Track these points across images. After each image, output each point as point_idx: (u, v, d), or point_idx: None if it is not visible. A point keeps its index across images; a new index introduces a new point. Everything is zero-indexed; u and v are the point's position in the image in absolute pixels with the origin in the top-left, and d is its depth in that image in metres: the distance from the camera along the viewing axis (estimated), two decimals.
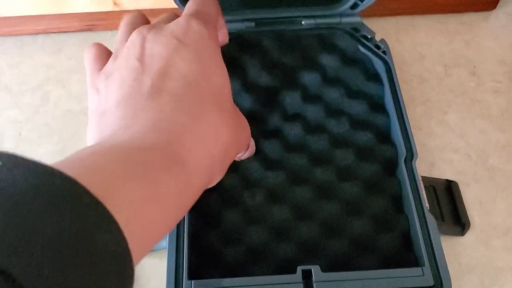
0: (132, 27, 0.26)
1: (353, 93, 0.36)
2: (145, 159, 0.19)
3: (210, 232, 0.31)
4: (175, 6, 0.37)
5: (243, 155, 0.31)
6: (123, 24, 0.27)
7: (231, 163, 0.26)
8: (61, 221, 0.13)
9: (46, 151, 0.39)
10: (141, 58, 0.23)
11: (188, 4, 0.27)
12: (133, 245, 0.16)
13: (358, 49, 0.38)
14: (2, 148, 0.39)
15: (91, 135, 0.23)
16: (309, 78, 0.37)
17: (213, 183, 0.24)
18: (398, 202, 0.32)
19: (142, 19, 0.28)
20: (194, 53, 0.23)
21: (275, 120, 0.35)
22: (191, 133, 0.21)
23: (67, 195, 0.14)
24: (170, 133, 0.21)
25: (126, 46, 0.25)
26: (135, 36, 0.24)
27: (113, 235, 0.15)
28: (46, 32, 0.45)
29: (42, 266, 0.12)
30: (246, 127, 0.28)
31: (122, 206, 0.16)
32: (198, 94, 0.23)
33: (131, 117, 0.21)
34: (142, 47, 0.24)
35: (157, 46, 0.24)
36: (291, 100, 0.36)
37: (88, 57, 0.27)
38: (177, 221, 0.21)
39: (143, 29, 0.25)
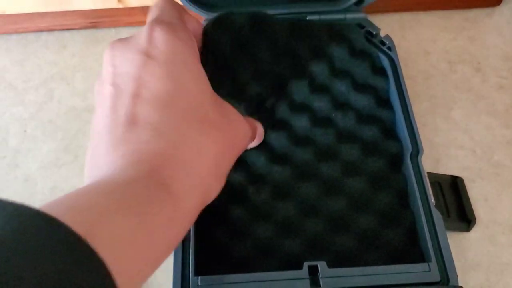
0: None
1: (360, 86, 0.36)
2: (129, 192, 0.18)
3: (216, 228, 0.31)
4: (179, 2, 0.37)
5: (252, 145, 0.30)
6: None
7: (230, 167, 0.25)
8: (44, 264, 0.13)
9: (51, 148, 0.39)
10: (113, 81, 0.22)
11: (150, 11, 0.26)
12: (123, 281, 0.15)
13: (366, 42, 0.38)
14: (7, 146, 0.39)
15: (85, 172, 0.22)
16: (318, 69, 0.36)
17: (212, 196, 0.24)
18: (403, 197, 0.32)
19: None
20: (164, 67, 0.22)
21: (282, 109, 0.35)
22: (173, 159, 0.21)
23: (51, 236, 0.14)
24: (151, 163, 0.20)
25: (103, 66, 0.23)
26: (105, 54, 0.23)
27: (98, 274, 0.14)
28: (50, 29, 0.45)
29: None
30: (239, 126, 0.26)
31: (108, 242, 0.16)
32: (175, 114, 0.21)
33: (112, 152, 0.21)
34: (113, 66, 0.22)
35: (125, 64, 0.22)
36: (299, 89, 0.36)
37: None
38: (172, 248, 0.20)
39: (113, 44, 0.23)
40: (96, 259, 0.15)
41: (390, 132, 0.34)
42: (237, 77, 0.34)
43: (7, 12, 0.44)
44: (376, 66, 0.37)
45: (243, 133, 0.27)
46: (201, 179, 0.22)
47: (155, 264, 0.19)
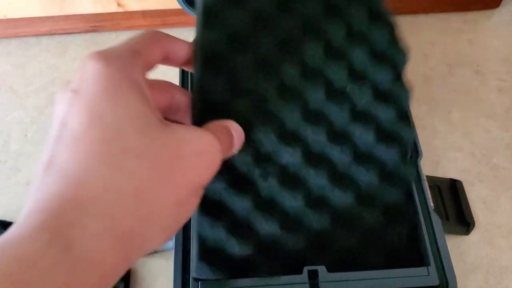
0: None
1: (378, 57, 0.33)
2: (16, 259, 0.16)
3: (217, 232, 0.31)
4: (179, 6, 0.37)
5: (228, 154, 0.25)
6: None
7: (175, 210, 0.20)
8: None
9: None
10: (50, 126, 0.20)
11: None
12: None
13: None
14: (9, 150, 0.39)
15: None
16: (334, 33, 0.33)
17: (143, 244, 0.19)
18: (409, 194, 0.32)
19: None
20: (84, 100, 0.20)
21: (295, 76, 0.32)
22: (73, 200, 0.18)
23: None
24: (48, 211, 0.17)
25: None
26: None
27: None
28: (50, 33, 0.45)
29: None
30: (193, 154, 0.21)
31: None
32: (84, 150, 0.19)
33: (28, 203, 0.18)
34: (54, 112, 0.21)
35: (58, 107, 0.20)
36: (313, 53, 0.32)
37: None
38: None
39: (59, 89, 0.21)
40: None
41: (404, 115, 0.33)
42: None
43: (8, 17, 0.44)
44: (394, 34, 0.34)
45: (204, 165, 0.22)
46: (114, 221, 0.18)
47: None
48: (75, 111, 0.19)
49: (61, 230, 0.17)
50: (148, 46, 0.23)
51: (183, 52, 0.26)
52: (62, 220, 0.17)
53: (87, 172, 0.18)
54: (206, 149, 0.22)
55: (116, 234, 0.18)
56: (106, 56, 0.21)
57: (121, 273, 0.18)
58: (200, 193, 0.22)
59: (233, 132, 0.25)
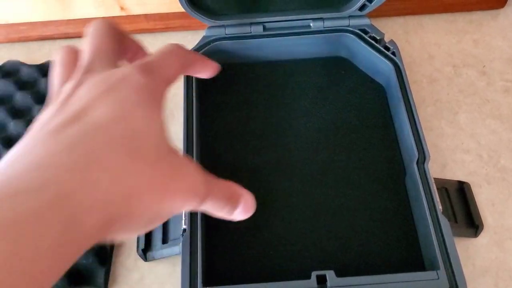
0: (66, 68, 0.24)
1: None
2: (8, 205, 0.16)
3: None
4: (182, 9, 0.37)
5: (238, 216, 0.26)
6: (56, 64, 0.25)
7: (157, 215, 0.22)
8: None
9: None
10: (65, 101, 0.22)
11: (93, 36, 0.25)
12: None
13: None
14: None
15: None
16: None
17: (119, 232, 0.21)
18: (407, 205, 0.32)
19: (75, 54, 0.25)
20: (118, 98, 0.21)
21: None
22: (76, 176, 0.19)
23: None
24: (49, 176, 0.18)
25: (61, 92, 0.23)
26: (70, 82, 0.23)
27: None
28: (53, 38, 0.45)
29: None
30: (188, 173, 0.23)
31: None
32: (103, 138, 0.20)
33: (22, 153, 0.19)
34: (73, 90, 0.22)
35: (84, 89, 0.22)
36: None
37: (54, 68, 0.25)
38: (58, 276, 0.18)
39: (78, 72, 0.23)
40: None
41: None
42: None
43: (10, 21, 0.44)
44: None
45: (188, 185, 0.23)
46: (103, 203, 0.19)
47: None
48: (105, 103, 0.21)
49: (58, 195, 0.18)
50: (167, 66, 0.25)
51: (198, 65, 0.27)
52: (61, 187, 0.18)
53: (97, 158, 0.20)
54: (195, 189, 0.23)
55: (102, 214, 0.19)
56: (146, 74, 0.23)
57: (91, 244, 0.19)
58: (158, 222, 0.23)
59: (242, 201, 0.25)
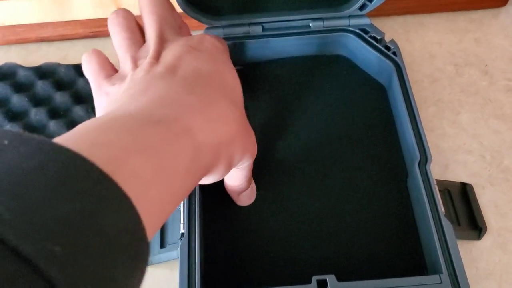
0: (132, 33, 0.27)
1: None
2: (152, 132, 0.18)
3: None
4: (180, 10, 0.37)
5: (248, 164, 0.29)
6: (119, 29, 0.27)
7: (234, 165, 0.25)
8: (72, 200, 0.13)
9: None
10: (155, 57, 0.24)
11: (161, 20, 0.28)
12: (145, 219, 0.15)
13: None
14: None
15: (99, 114, 0.23)
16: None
17: (215, 173, 0.24)
18: (409, 207, 0.32)
19: (134, 18, 0.28)
20: (208, 56, 0.25)
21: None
22: (200, 114, 0.21)
23: (76, 173, 0.14)
24: (178, 110, 0.21)
25: (140, 51, 0.25)
26: (150, 45, 0.25)
27: (126, 212, 0.15)
28: (50, 39, 0.45)
29: (53, 247, 0.12)
30: (252, 136, 0.27)
31: (131, 181, 0.16)
32: (210, 84, 0.23)
33: (140, 93, 0.21)
34: (158, 51, 0.24)
35: (172, 48, 0.24)
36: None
37: (92, 64, 0.26)
38: (183, 198, 0.21)
39: (154, 36, 0.26)
40: (124, 198, 0.14)
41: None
42: None
43: (7, 23, 0.44)
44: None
45: (253, 142, 0.27)
46: (219, 143, 0.22)
47: (172, 208, 0.19)
48: (200, 59, 0.25)
49: (187, 127, 0.20)
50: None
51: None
52: (188, 122, 0.21)
53: (212, 101, 0.23)
54: (254, 146, 0.28)
55: (216, 146, 0.22)
56: (221, 39, 0.28)
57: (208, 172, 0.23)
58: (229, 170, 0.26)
59: (253, 186, 0.31)
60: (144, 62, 0.24)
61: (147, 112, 0.20)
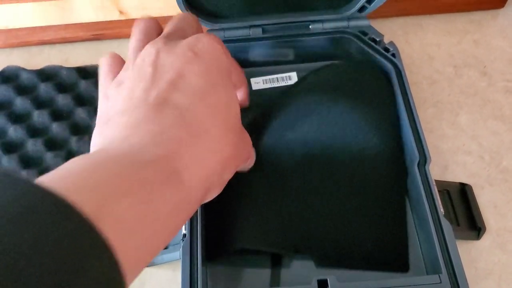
0: (146, 36, 0.26)
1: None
2: (141, 174, 0.18)
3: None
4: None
5: (244, 167, 0.30)
6: (137, 31, 0.27)
7: (230, 177, 0.26)
8: (52, 249, 0.13)
9: None
10: (153, 68, 0.23)
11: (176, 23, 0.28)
12: (126, 266, 0.15)
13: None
14: None
15: (94, 142, 0.23)
16: None
17: (209, 198, 0.24)
18: (408, 207, 0.32)
19: (156, 26, 0.28)
20: (206, 67, 0.24)
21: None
22: (190, 149, 0.21)
23: (59, 218, 0.14)
24: (168, 148, 0.20)
25: (140, 56, 0.25)
26: (150, 47, 0.25)
27: (106, 261, 0.14)
28: (52, 42, 0.45)
29: None
30: (248, 142, 0.28)
31: (115, 226, 0.16)
32: (204, 109, 0.23)
33: (132, 127, 0.21)
34: (157, 57, 0.24)
35: (171, 56, 0.24)
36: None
37: (103, 66, 0.27)
38: (171, 238, 0.20)
39: (159, 41, 0.25)
40: (105, 247, 0.14)
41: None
42: None
43: (9, 27, 0.44)
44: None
45: (248, 150, 0.28)
46: (209, 177, 0.22)
47: (155, 252, 0.19)
48: (196, 71, 0.23)
49: (176, 167, 0.20)
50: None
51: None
52: (178, 160, 0.20)
53: (204, 129, 0.22)
54: (250, 156, 0.29)
55: (205, 186, 0.22)
56: (220, 41, 0.26)
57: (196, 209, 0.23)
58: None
59: (253, 155, 0.31)
60: (142, 75, 0.24)
61: (136, 151, 0.20)
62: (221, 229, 0.31)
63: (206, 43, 0.24)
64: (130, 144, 0.20)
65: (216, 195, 0.25)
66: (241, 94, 0.32)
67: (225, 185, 0.25)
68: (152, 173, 0.19)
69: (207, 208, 0.32)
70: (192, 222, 0.30)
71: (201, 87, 0.23)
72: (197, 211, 0.30)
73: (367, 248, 0.31)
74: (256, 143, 0.32)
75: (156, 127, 0.21)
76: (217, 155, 0.23)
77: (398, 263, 0.31)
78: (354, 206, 0.32)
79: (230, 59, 0.27)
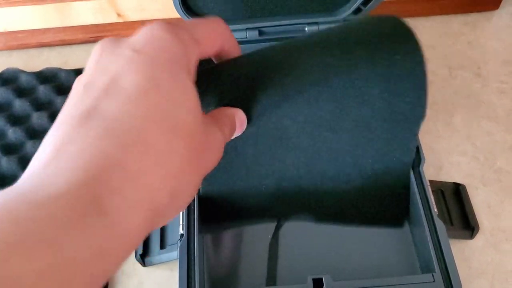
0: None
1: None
2: (46, 217, 0.15)
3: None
4: (178, 15, 0.38)
5: (237, 134, 0.26)
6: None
7: (195, 192, 0.21)
8: None
9: None
10: (91, 76, 0.20)
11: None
12: None
13: None
14: None
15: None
16: None
17: (162, 223, 0.20)
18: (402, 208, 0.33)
19: None
20: (146, 63, 0.19)
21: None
22: (118, 164, 0.17)
23: None
24: (89, 170, 0.16)
25: (87, 64, 0.21)
26: (94, 50, 0.21)
27: None
28: (51, 44, 0.46)
29: None
30: (217, 138, 0.23)
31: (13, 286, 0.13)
32: (140, 113, 0.18)
33: (52, 151, 0.17)
34: (97, 62, 0.20)
35: (110, 58, 0.20)
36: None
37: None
38: (102, 282, 0.16)
39: (105, 41, 0.21)
40: None
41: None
42: None
43: (8, 29, 0.44)
44: None
45: (216, 158, 0.23)
46: (151, 199, 0.18)
47: None
48: (133, 70, 0.19)
49: (99, 194, 0.16)
50: (209, 38, 0.23)
51: (234, 52, 0.26)
52: (102, 183, 0.16)
53: (140, 138, 0.18)
54: (218, 159, 0.23)
55: (149, 206, 0.18)
56: (176, 33, 0.21)
57: (139, 243, 0.18)
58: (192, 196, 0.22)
59: (237, 120, 0.26)
60: (78, 85, 0.20)
61: (49, 182, 0.16)
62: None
63: (146, 35, 0.20)
64: (45, 174, 0.16)
65: (174, 217, 0.20)
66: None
67: (189, 202, 0.21)
68: (60, 211, 0.15)
69: (204, 209, 0.32)
70: (189, 222, 0.30)
71: (139, 87, 0.19)
72: (194, 211, 0.30)
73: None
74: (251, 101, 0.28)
75: (76, 146, 0.17)
76: (162, 168, 0.18)
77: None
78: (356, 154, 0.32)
79: (190, 40, 0.21)
